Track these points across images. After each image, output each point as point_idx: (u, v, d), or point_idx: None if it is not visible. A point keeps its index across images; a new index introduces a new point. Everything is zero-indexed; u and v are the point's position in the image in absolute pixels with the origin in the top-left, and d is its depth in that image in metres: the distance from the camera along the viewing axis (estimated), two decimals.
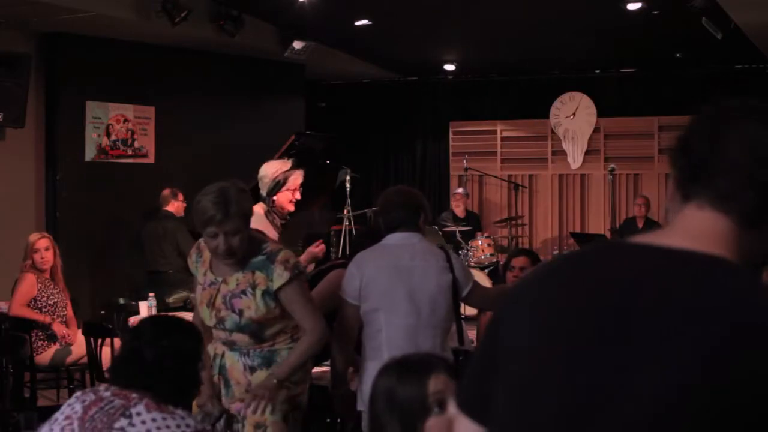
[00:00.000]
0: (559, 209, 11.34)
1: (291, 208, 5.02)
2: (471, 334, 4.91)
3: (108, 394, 2.33)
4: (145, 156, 8.87)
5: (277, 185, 4.98)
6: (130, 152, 8.74)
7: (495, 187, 11.51)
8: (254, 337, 3.35)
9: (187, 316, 6.55)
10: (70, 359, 6.12)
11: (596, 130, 11.12)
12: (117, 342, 5.41)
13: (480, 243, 9.62)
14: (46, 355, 6.04)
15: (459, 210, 10.33)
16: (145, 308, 6.15)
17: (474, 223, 10.35)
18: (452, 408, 1.43)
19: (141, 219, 8.32)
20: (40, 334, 6.03)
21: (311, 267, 4.84)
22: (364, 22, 8.71)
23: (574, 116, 11.17)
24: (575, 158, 11.21)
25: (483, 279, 8.83)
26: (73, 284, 6.75)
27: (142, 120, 8.83)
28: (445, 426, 1.76)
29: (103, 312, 7.15)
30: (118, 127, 8.64)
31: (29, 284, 6.06)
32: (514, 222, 10.96)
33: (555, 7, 7.98)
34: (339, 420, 3.89)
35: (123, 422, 2.26)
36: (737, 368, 1.17)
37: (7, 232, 7.59)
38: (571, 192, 11.30)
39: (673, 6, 7.51)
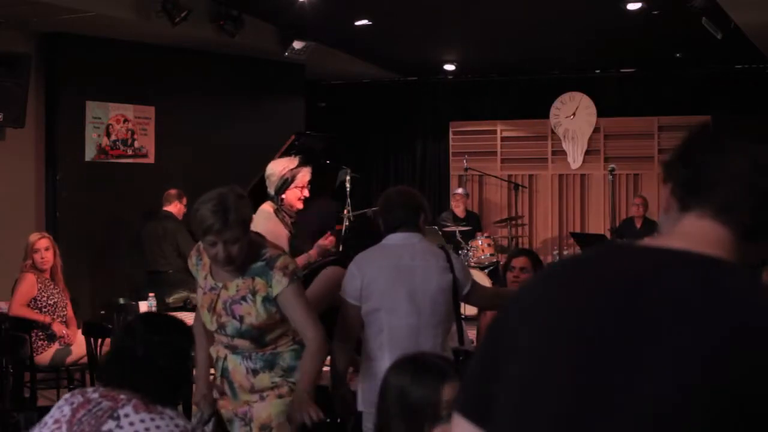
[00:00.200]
0: (559, 209, 11.34)
1: (300, 205, 5.01)
2: (471, 334, 4.91)
3: (96, 395, 2.32)
4: (145, 156, 8.87)
5: (285, 183, 4.96)
6: (130, 152, 8.74)
7: (495, 187, 11.51)
8: (256, 342, 3.35)
9: (188, 315, 6.57)
10: (70, 359, 6.12)
11: (596, 130, 11.13)
12: None
13: (480, 243, 9.62)
14: (46, 355, 6.04)
15: (459, 210, 10.34)
16: (145, 308, 6.15)
17: (474, 223, 10.35)
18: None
19: (141, 219, 8.32)
20: (40, 334, 6.03)
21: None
22: (364, 22, 8.71)
23: (574, 116, 11.17)
24: (575, 158, 11.22)
25: (483, 279, 8.82)
26: (73, 284, 6.75)
27: (142, 120, 8.83)
28: None
29: (103, 312, 7.15)
30: (118, 127, 8.64)
31: (29, 284, 6.06)
32: (514, 222, 10.96)
33: (555, 7, 7.98)
34: (339, 420, 3.88)
35: (111, 424, 2.24)
36: (737, 368, 1.17)
37: (7, 232, 7.59)
38: (571, 192, 11.30)
39: (673, 6, 7.51)
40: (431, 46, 9.93)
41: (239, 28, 8.41)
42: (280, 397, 3.37)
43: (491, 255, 9.60)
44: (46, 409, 2.43)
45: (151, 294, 6.34)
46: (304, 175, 5.01)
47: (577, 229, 11.07)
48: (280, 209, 4.97)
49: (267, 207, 5.01)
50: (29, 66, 7.72)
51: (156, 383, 2.35)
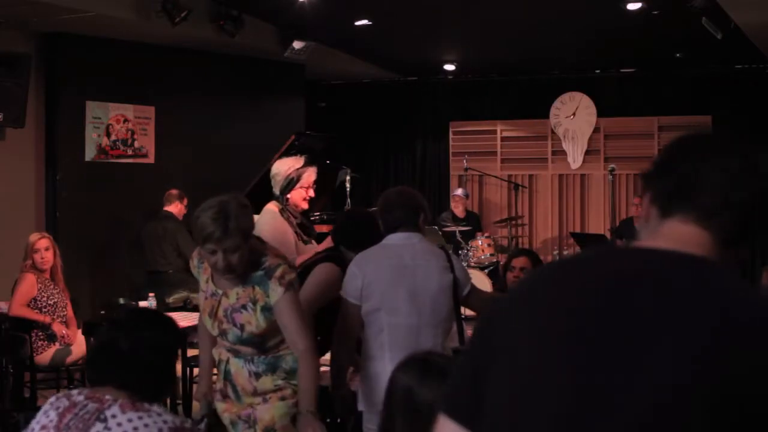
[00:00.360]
0: (559, 209, 11.34)
1: (305, 206, 4.99)
2: (471, 334, 4.91)
3: (81, 398, 2.31)
4: (145, 156, 8.87)
5: (291, 183, 4.94)
6: (130, 152, 8.74)
7: (495, 187, 11.51)
8: (257, 347, 3.34)
9: (187, 315, 6.58)
10: (70, 359, 6.12)
11: (596, 130, 11.13)
12: None
13: (480, 243, 9.62)
14: (46, 355, 6.04)
15: (458, 210, 10.34)
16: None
17: (474, 223, 10.35)
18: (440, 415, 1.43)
19: (141, 219, 8.33)
20: (40, 334, 6.03)
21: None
22: (364, 22, 8.71)
23: (574, 116, 11.17)
24: (575, 158, 11.22)
25: (483, 279, 8.83)
26: (73, 284, 6.75)
27: (142, 120, 8.83)
28: None
29: (103, 312, 7.15)
30: (118, 127, 8.64)
31: (29, 284, 6.06)
32: (514, 222, 10.96)
33: (555, 7, 7.98)
34: (339, 420, 3.88)
35: (98, 427, 2.23)
36: (735, 366, 1.18)
37: (7, 232, 7.59)
38: (571, 192, 11.30)
39: (673, 6, 7.51)
40: (431, 46, 9.93)
41: (239, 28, 8.41)
42: (282, 399, 3.36)
43: (491, 255, 9.60)
44: None
45: (151, 294, 6.34)
46: (310, 175, 4.99)
47: (577, 229, 11.07)
48: (285, 209, 4.95)
49: (272, 207, 5.00)
50: (29, 66, 7.72)
51: (140, 378, 2.33)
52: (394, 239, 3.77)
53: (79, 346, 6.05)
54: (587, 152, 11.17)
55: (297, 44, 8.99)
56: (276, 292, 3.22)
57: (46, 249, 6.14)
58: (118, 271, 8.47)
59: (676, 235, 1.36)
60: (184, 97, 9.08)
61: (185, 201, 8.01)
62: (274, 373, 3.37)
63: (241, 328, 3.28)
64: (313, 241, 5.02)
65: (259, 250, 3.31)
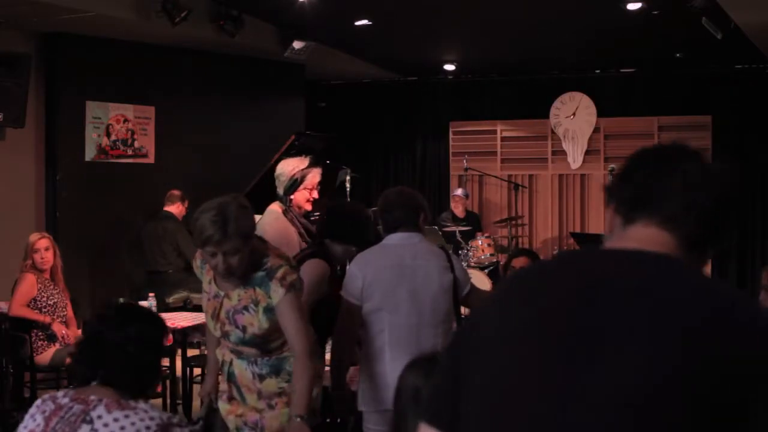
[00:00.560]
0: (559, 209, 11.34)
1: (308, 207, 4.97)
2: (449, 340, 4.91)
3: (66, 400, 2.30)
4: (145, 156, 8.86)
5: (294, 184, 4.93)
6: (130, 152, 8.74)
7: (495, 187, 11.51)
8: (260, 349, 3.33)
9: (187, 315, 6.57)
10: (70, 359, 6.11)
11: (596, 130, 11.12)
12: None
13: (480, 243, 9.62)
14: (46, 355, 6.04)
15: (458, 210, 10.33)
16: None
17: (474, 223, 10.35)
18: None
19: (141, 219, 8.33)
20: (40, 334, 6.03)
21: None
22: (364, 22, 8.70)
23: (574, 116, 11.17)
24: (575, 158, 11.21)
25: (483, 279, 8.83)
26: (73, 284, 6.75)
27: (142, 120, 8.83)
28: None
29: None
30: (118, 127, 8.64)
31: (29, 284, 6.06)
32: (514, 222, 10.95)
33: (555, 7, 7.97)
34: (339, 420, 3.88)
35: (85, 429, 2.23)
36: (707, 357, 1.22)
37: (7, 232, 7.59)
38: (571, 192, 11.30)
39: (673, 6, 7.51)
40: (431, 46, 9.93)
41: (239, 28, 8.41)
42: (287, 405, 3.33)
43: (491, 255, 9.60)
44: None
45: (151, 294, 6.34)
46: (314, 176, 4.98)
47: (577, 229, 11.06)
48: (288, 210, 4.95)
49: (275, 207, 5.00)
50: (29, 66, 7.72)
51: (126, 372, 2.33)
52: (394, 239, 3.78)
53: None
54: (587, 152, 11.17)
55: (297, 44, 8.99)
56: (277, 294, 3.20)
57: (46, 249, 6.14)
58: (118, 271, 8.47)
59: (640, 237, 1.41)
60: (184, 97, 9.08)
61: (186, 202, 8.02)
62: (278, 375, 3.35)
63: (243, 329, 3.27)
64: None
65: (261, 250, 3.28)
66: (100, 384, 2.33)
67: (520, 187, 11.16)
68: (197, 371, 6.34)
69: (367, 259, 3.81)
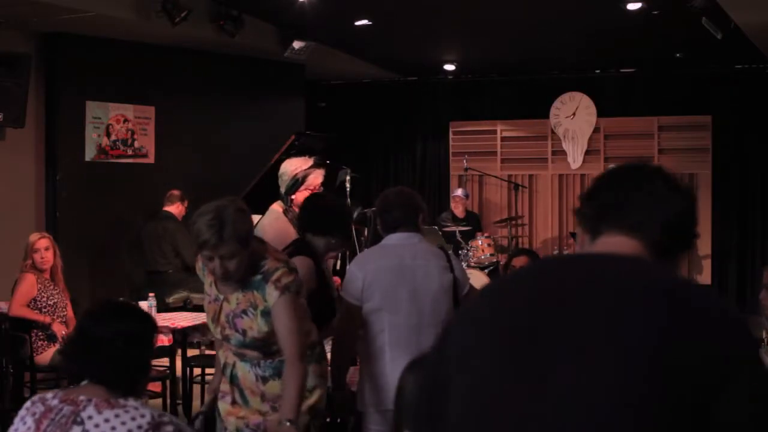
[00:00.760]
0: (559, 209, 11.34)
1: None
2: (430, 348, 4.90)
3: (56, 402, 2.30)
4: (145, 156, 8.87)
5: (296, 183, 4.92)
6: (130, 152, 8.74)
7: (495, 187, 11.51)
8: (262, 351, 3.30)
9: (187, 316, 6.57)
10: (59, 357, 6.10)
11: (596, 130, 11.12)
12: None
13: (480, 243, 9.62)
14: (46, 355, 6.04)
15: (458, 211, 10.33)
16: (145, 308, 6.14)
17: (474, 223, 10.35)
18: None
19: (141, 219, 8.33)
20: (40, 334, 6.03)
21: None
22: (364, 22, 8.70)
23: (574, 116, 11.17)
24: (575, 158, 11.21)
25: (483, 279, 8.83)
26: (73, 284, 6.75)
27: (142, 120, 8.83)
28: None
29: None
30: (118, 127, 8.64)
31: (29, 284, 6.06)
32: (514, 222, 10.96)
33: (555, 7, 7.97)
34: (339, 420, 3.88)
35: (76, 430, 2.23)
36: (679, 354, 1.27)
37: (7, 232, 7.59)
38: (571, 192, 11.29)
39: (673, 6, 7.51)
40: (431, 46, 9.93)
41: (239, 28, 8.41)
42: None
43: (491, 255, 9.60)
44: None
45: (151, 294, 6.34)
46: (316, 177, 4.97)
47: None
48: (289, 209, 4.94)
49: (276, 207, 4.99)
50: (29, 66, 7.72)
51: (115, 369, 2.33)
52: (394, 239, 3.78)
53: None
54: (587, 152, 11.17)
55: (297, 44, 8.99)
56: (272, 296, 3.18)
57: (46, 249, 6.14)
58: (118, 271, 8.47)
59: (609, 244, 1.49)
60: (184, 97, 9.08)
61: (186, 202, 8.02)
62: (282, 378, 3.33)
63: (243, 333, 3.25)
64: None
65: (260, 253, 3.25)
66: (91, 383, 2.33)
67: (520, 187, 11.16)
68: (197, 371, 6.34)
69: (367, 259, 3.81)
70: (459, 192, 10.51)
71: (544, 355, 1.32)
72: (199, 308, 7.28)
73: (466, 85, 11.70)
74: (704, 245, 10.78)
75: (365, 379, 3.73)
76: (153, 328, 2.51)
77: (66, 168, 8.29)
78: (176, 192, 8.07)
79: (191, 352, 6.61)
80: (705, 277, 10.77)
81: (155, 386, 6.09)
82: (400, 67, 11.29)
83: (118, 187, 8.54)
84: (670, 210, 1.50)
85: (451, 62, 10.90)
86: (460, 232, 9.76)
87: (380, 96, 11.76)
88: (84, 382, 2.35)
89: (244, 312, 3.24)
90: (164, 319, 6.18)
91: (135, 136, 8.77)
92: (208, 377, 6.19)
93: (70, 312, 6.29)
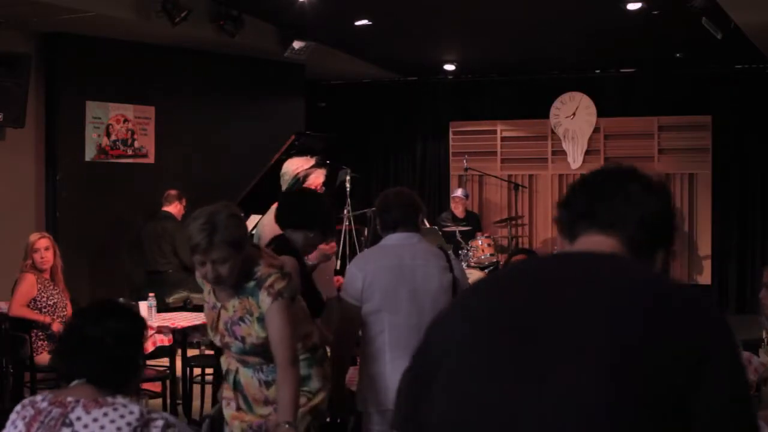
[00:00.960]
0: None
1: None
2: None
3: (45, 404, 2.30)
4: (145, 156, 8.87)
5: (297, 183, 4.91)
6: (130, 152, 8.75)
7: (495, 187, 11.51)
8: (263, 357, 3.27)
9: (187, 315, 6.57)
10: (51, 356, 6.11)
11: (596, 130, 11.12)
12: None
13: (480, 243, 9.62)
14: (46, 355, 6.04)
15: (458, 211, 10.33)
16: (145, 308, 6.14)
17: (474, 223, 10.35)
18: None
19: (141, 219, 8.33)
20: (40, 334, 6.03)
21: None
22: (364, 22, 8.71)
23: (574, 116, 11.17)
24: (575, 158, 11.21)
25: None
26: (73, 284, 6.75)
27: (142, 120, 8.83)
28: None
29: None
30: (118, 127, 8.65)
31: (29, 284, 6.06)
32: (514, 222, 10.96)
33: (555, 7, 7.98)
34: (339, 420, 3.88)
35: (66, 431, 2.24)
36: (657, 350, 1.30)
37: (7, 232, 7.59)
38: None
39: (673, 6, 7.51)
40: (431, 46, 9.93)
41: (239, 28, 8.41)
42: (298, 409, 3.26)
43: (491, 255, 9.60)
44: None
45: (151, 294, 6.33)
46: (317, 176, 4.96)
47: None
48: None
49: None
50: (29, 66, 7.72)
51: (104, 367, 2.33)
52: (393, 239, 3.78)
53: None
54: (587, 152, 11.17)
55: (297, 44, 8.99)
56: (265, 303, 3.15)
57: (46, 249, 6.14)
58: (118, 271, 8.47)
59: (587, 244, 1.51)
60: (184, 97, 9.08)
61: (184, 201, 8.03)
62: (276, 383, 3.31)
63: (242, 340, 3.23)
64: None
65: (254, 259, 3.22)
66: (81, 383, 2.33)
67: (520, 187, 11.16)
68: (197, 371, 6.34)
69: (366, 259, 3.81)
70: (459, 192, 10.50)
71: (544, 354, 1.33)
72: (199, 308, 7.27)
73: (466, 85, 11.70)
74: (704, 245, 10.79)
75: (365, 380, 3.73)
76: (143, 327, 2.51)
77: (66, 168, 8.29)
78: (173, 192, 8.07)
79: (191, 352, 6.61)
80: (705, 277, 10.77)
81: (155, 386, 6.09)
82: (400, 67, 11.29)
83: (118, 187, 8.54)
84: (645, 210, 1.53)
85: (451, 62, 10.90)
86: (460, 232, 9.76)
87: (380, 96, 11.76)
88: (74, 383, 2.35)
89: (241, 319, 3.22)
90: (164, 319, 6.18)
91: (135, 136, 8.77)
92: (208, 377, 6.19)
93: (69, 312, 6.28)
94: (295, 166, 5.01)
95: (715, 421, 1.28)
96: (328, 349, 3.75)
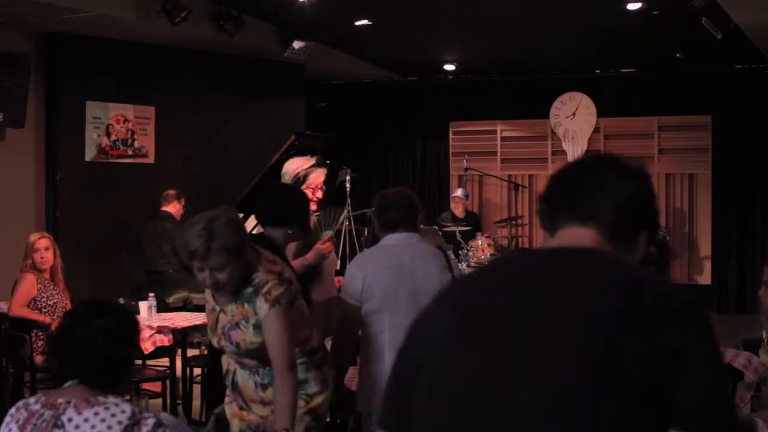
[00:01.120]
0: None
1: (312, 207, 4.95)
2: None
3: (38, 407, 2.30)
4: (145, 156, 8.87)
5: (297, 183, 4.91)
6: (130, 152, 8.75)
7: (495, 187, 11.51)
8: (259, 360, 3.26)
9: (187, 315, 6.56)
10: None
11: (596, 130, 11.12)
12: None
13: (480, 243, 9.62)
14: None
15: (458, 211, 10.33)
16: (145, 308, 6.14)
17: (474, 223, 10.35)
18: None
19: (141, 219, 8.33)
20: (40, 334, 6.03)
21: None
22: (364, 22, 8.71)
23: (574, 116, 11.17)
24: (575, 158, 11.19)
25: None
26: (73, 284, 6.74)
27: (142, 120, 8.83)
28: None
29: None
30: (118, 127, 8.65)
31: (29, 284, 6.05)
32: (514, 222, 10.96)
33: (555, 7, 7.98)
34: (339, 420, 3.89)
35: None
36: (631, 342, 1.31)
37: (7, 232, 7.59)
38: None
39: (673, 6, 7.51)
40: (431, 46, 9.93)
41: (239, 28, 8.41)
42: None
43: (491, 255, 9.59)
44: None
45: (151, 294, 6.33)
46: (318, 175, 4.96)
47: None
48: None
49: None
50: (29, 66, 7.72)
51: (94, 366, 2.33)
52: (392, 239, 3.77)
53: None
54: (587, 152, 11.16)
55: (297, 44, 8.99)
56: (262, 309, 3.13)
57: (46, 249, 6.13)
58: (118, 271, 8.47)
59: (566, 238, 1.52)
60: (184, 97, 9.08)
61: (183, 201, 8.03)
62: (272, 389, 3.30)
63: (237, 345, 3.23)
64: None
65: (253, 264, 3.19)
66: (74, 384, 2.33)
67: (520, 187, 11.16)
68: (197, 371, 6.34)
69: (366, 259, 3.81)
70: (459, 192, 10.50)
71: (527, 349, 1.35)
72: (199, 308, 7.28)
73: (466, 85, 11.71)
74: (704, 245, 10.79)
75: (365, 380, 3.73)
76: (134, 326, 2.50)
77: (66, 168, 8.29)
78: (172, 191, 8.07)
79: (191, 352, 6.61)
80: (705, 278, 10.77)
81: (155, 386, 6.10)
82: (400, 67, 11.29)
83: (118, 187, 8.54)
84: (620, 196, 1.54)
85: (451, 62, 10.91)
86: (460, 232, 9.76)
87: (380, 96, 11.77)
88: (67, 384, 2.35)
89: (238, 325, 3.21)
90: (164, 319, 6.18)
91: (135, 136, 8.77)
92: None
93: None
94: (295, 166, 5.01)
95: (693, 411, 1.29)
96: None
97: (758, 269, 9.77)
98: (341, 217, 7.57)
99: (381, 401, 1.57)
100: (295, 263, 4.43)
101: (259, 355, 3.23)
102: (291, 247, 3.83)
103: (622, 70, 11.11)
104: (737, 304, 10.53)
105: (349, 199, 8.12)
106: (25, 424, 2.27)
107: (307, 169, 4.95)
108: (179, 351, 6.20)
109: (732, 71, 10.53)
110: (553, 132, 11.27)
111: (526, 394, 1.31)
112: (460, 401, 1.36)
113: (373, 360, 3.68)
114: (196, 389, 6.26)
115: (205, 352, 7.28)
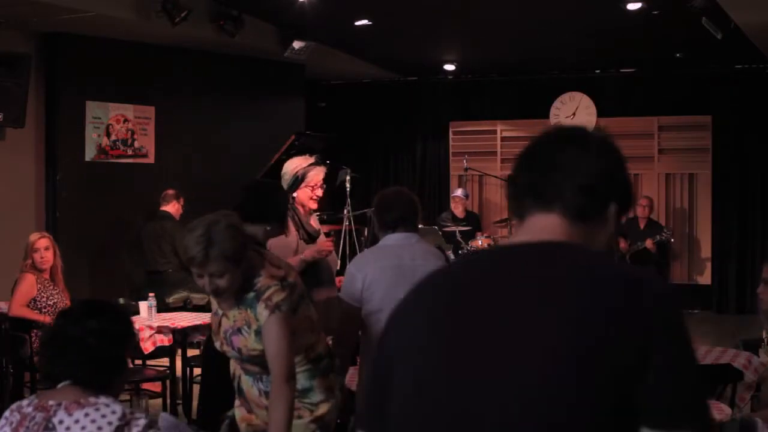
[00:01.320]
0: None
1: (312, 205, 4.92)
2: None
3: (30, 409, 2.29)
4: (145, 156, 8.87)
5: (296, 181, 4.90)
6: (130, 152, 8.75)
7: (495, 187, 11.51)
8: (262, 367, 3.21)
9: (187, 315, 6.56)
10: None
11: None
12: None
13: (480, 243, 9.61)
14: None
15: (458, 211, 10.33)
16: (145, 308, 6.14)
17: (474, 223, 10.35)
18: None
19: (141, 219, 8.33)
20: (40, 334, 6.03)
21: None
22: (364, 22, 8.71)
23: (574, 116, 11.16)
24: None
25: None
26: (73, 284, 6.74)
27: (142, 120, 8.83)
28: None
29: None
30: (118, 127, 8.65)
31: (29, 284, 6.05)
32: (514, 222, 10.94)
33: (555, 7, 7.98)
34: (339, 420, 3.88)
35: None
36: (610, 339, 1.29)
37: (7, 232, 7.59)
38: None
39: (673, 6, 7.52)
40: (431, 46, 9.93)
41: (239, 28, 8.41)
42: (299, 417, 3.24)
43: None
44: None
45: (151, 294, 6.33)
46: (317, 174, 4.95)
47: None
48: (291, 207, 4.93)
49: None
50: (29, 66, 7.72)
51: (86, 367, 2.32)
52: (392, 240, 3.77)
53: None
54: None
55: (297, 44, 8.99)
56: (262, 315, 3.08)
57: (46, 249, 6.13)
58: (118, 271, 8.47)
59: (530, 227, 1.48)
60: (184, 97, 9.08)
61: (182, 200, 8.02)
62: (269, 398, 3.28)
63: (239, 351, 3.19)
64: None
65: (255, 269, 3.14)
66: (67, 385, 2.32)
67: None
68: (197, 371, 6.33)
69: (365, 260, 3.81)
70: (459, 192, 10.50)
71: (500, 347, 1.34)
72: (199, 308, 7.28)
73: (466, 85, 11.71)
74: (704, 245, 10.79)
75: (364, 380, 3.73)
76: (127, 326, 2.48)
77: (66, 168, 8.29)
78: (171, 191, 8.07)
79: (191, 352, 6.61)
80: (705, 278, 10.77)
81: (155, 386, 6.09)
82: (400, 67, 11.29)
83: (118, 187, 8.54)
84: (585, 174, 1.47)
85: (451, 62, 10.91)
86: (460, 232, 9.76)
87: (380, 96, 11.77)
88: (61, 384, 2.34)
89: (240, 330, 3.17)
90: (164, 319, 6.18)
91: (135, 136, 8.77)
92: None
93: None
94: (294, 165, 5.00)
95: (661, 408, 1.27)
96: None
97: (758, 269, 9.77)
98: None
99: (362, 403, 1.56)
100: (294, 260, 4.43)
101: (261, 362, 3.18)
102: (270, 244, 3.79)
103: (622, 70, 11.11)
104: (737, 304, 10.53)
105: (349, 199, 8.12)
106: (18, 427, 2.27)
107: (306, 167, 4.95)
108: (179, 351, 6.20)
109: (732, 71, 10.53)
110: None
111: (502, 393, 1.30)
112: (433, 401, 1.35)
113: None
114: (196, 389, 6.26)
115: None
